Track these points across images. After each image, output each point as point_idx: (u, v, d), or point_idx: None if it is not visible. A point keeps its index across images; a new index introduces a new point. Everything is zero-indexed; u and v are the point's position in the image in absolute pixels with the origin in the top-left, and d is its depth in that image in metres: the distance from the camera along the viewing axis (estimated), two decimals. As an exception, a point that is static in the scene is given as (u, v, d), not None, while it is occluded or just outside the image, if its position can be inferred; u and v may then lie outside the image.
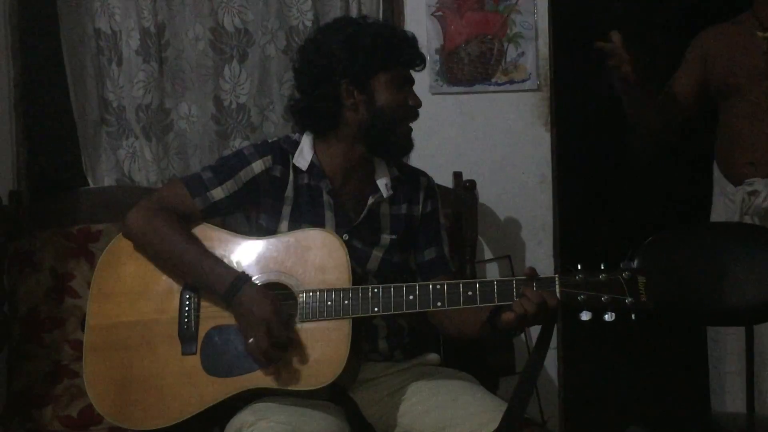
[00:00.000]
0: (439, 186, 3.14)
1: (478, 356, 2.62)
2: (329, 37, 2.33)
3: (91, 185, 3.32)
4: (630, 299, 1.99)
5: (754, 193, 2.88)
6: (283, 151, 2.36)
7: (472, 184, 3.20)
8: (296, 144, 2.37)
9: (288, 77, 3.32)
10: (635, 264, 2.01)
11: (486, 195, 3.36)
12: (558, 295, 2.04)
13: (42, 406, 2.86)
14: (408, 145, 2.36)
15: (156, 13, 3.29)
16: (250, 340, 2.13)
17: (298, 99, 2.39)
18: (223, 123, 3.35)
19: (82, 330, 2.32)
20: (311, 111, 2.34)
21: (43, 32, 3.34)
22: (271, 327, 2.12)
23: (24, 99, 3.30)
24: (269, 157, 2.33)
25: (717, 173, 3.14)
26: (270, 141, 2.42)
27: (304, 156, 2.35)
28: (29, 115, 3.33)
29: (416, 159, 3.36)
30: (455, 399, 2.21)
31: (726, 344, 2.97)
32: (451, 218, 3.13)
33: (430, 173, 3.19)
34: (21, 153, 3.29)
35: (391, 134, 2.29)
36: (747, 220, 2.93)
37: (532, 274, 2.09)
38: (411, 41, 2.34)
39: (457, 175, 3.29)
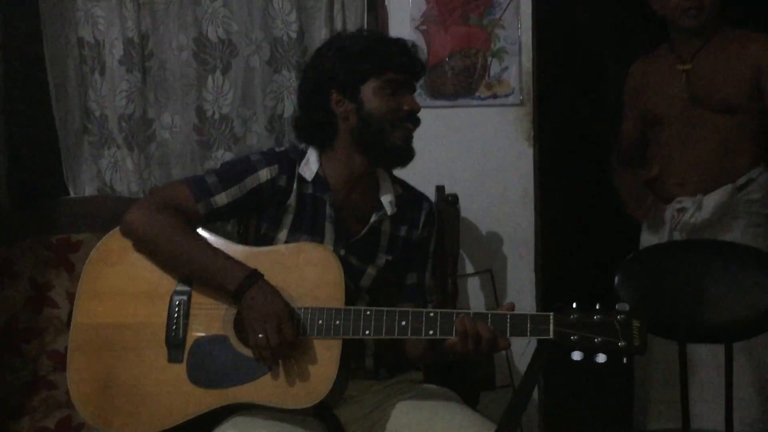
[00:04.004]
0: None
1: (458, 372, 2.61)
2: (323, 50, 2.36)
3: (72, 195, 3.30)
4: (623, 343, 1.98)
5: (682, 210, 3.01)
6: (291, 160, 2.35)
7: (455, 198, 3.20)
8: (303, 154, 2.37)
9: (272, 89, 3.33)
10: (630, 307, 1.99)
11: (468, 209, 3.36)
12: (551, 334, 2.03)
13: (19, 416, 2.83)
14: (407, 151, 2.34)
15: (140, 23, 3.28)
16: (260, 335, 2.10)
17: (297, 114, 2.41)
18: (205, 134, 3.34)
19: (68, 326, 2.29)
20: (306, 123, 2.35)
21: (25, 40, 3.32)
22: (283, 324, 2.11)
23: (5, 107, 3.28)
24: (276, 166, 2.32)
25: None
26: (278, 150, 2.41)
27: (310, 167, 2.34)
28: (10, 123, 3.31)
29: (399, 172, 3.39)
30: (436, 415, 2.20)
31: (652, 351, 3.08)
32: (434, 232, 3.12)
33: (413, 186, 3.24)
34: (1, 161, 3.27)
35: (384, 140, 2.28)
36: (676, 235, 3.07)
37: (511, 309, 2.10)
38: (405, 47, 2.34)
39: (440, 189, 3.29)
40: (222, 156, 3.31)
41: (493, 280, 3.38)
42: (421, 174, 3.30)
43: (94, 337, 2.24)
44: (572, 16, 4.73)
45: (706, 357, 2.88)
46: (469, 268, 3.41)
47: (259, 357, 2.14)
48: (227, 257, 2.21)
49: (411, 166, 3.33)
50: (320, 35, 3.29)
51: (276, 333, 2.09)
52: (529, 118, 3.43)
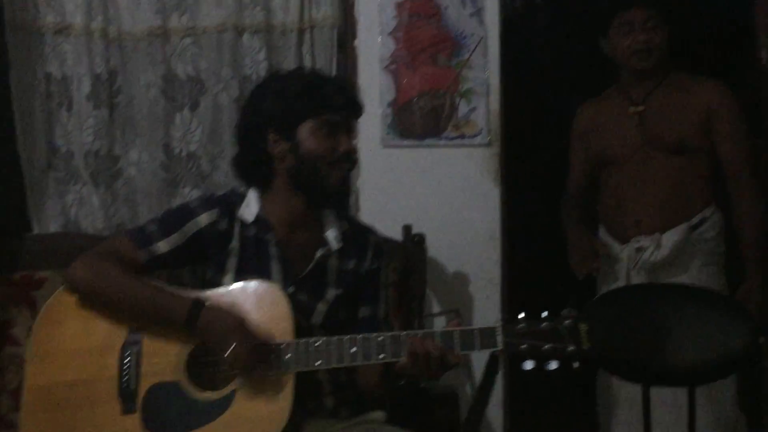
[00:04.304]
0: (388, 239, 3.17)
1: (423, 413, 2.60)
2: (261, 90, 2.36)
3: (36, 231, 3.27)
4: (572, 347, 2.00)
5: (640, 249, 3.03)
6: (230, 204, 2.34)
7: (421, 238, 3.21)
8: (243, 197, 2.36)
9: (240, 127, 3.33)
10: (576, 311, 2.01)
11: (435, 248, 3.36)
12: (501, 345, 2.04)
13: (-24, 457, 2.78)
14: (342, 192, 2.34)
15: (108, 59, 3.29)
16: (229, 351, 2.09)
17: (236, 154, 2.40)
18: (172, 171, 3.33)
19: None
20: (244, 163, 2.35)
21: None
22: (246, 332, 2.10)
23: (-30, 141, 3.27)
24: (215, 210, 2.32)
25: (602, 234, 3.28)
26: (216, 195, 2.41)
27: (250, 208, 2.33)
28: (-26, 157, 3.29)
29: (366, 211, 3.42)
30: None
31: (617, 392, 3.13)
32: (400, 272, 3.12)
33: (380, 225, 3.20)
34: (-35, 197, 3.25)
35: (320, 181, 2.27)
36: (634, 275, 3.09)
37: (459, 324, 2.14)
38: (342, 88, 2.34)
39: (407, 229, 3.29)
40: (189, 193, 3.30)
41: (460, 320, 3.37)
42: (388, 213, 3.36)
43: (47, 399, 2.21)
44: (539, 57, 4.80)
45: (668, 398, 2.89)
46: (436, 308, 3.41)
47: (236, 369, 2.12)
48: (170, 292, 2.20)
49: (378, 205, 3.40)
50: (289, 74, 3.30)
51: (244, 340, 2.09)
52: (497, 159, 3.45)
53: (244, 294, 2.22)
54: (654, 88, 3.12)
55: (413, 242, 3.23)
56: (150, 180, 3.32)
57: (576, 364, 1.98)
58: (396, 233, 3.28)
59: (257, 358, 2.11)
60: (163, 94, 3.32)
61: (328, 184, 2.28)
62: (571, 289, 3.42)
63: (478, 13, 3.44)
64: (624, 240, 3.12)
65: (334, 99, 2.30)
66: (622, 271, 3.11)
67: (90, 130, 3.27)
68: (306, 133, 2.27)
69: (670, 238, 3.04)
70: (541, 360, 2.00)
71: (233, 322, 2.12)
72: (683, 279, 3.05)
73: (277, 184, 2.32)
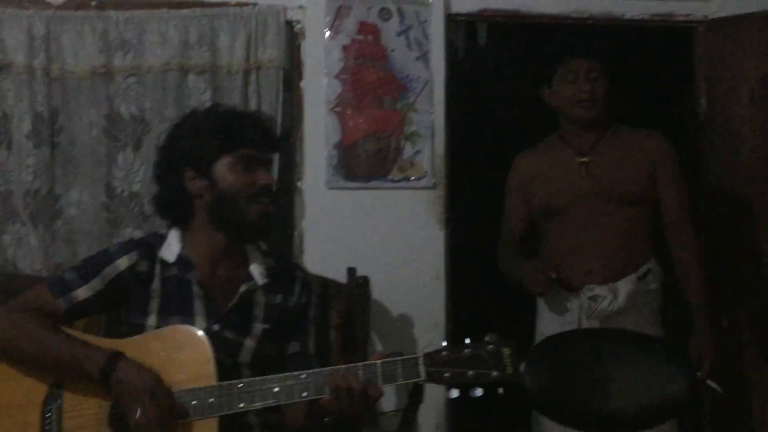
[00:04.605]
0: (332, 281, 3.17)
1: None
2: (177, 128, 2.35)
3: (-28, 271, 3.20)
4: (495, 372, 1.99)
5: (594, 298, 3.01)
6: (149, 246, 2.32)
7: (365, 280, 3.20)
8: (163, 238, 2.34)
9: (184, 167, 3.30)
10: (499, 337, 2.01)
11: (380, 291, 3.35)
12: (423, 374, 2.03)
13: None
14: (262, 227, 2.31)
15: (50, 98, 3.26)
16: (138, 413, 2.04)
17: (156, 192, 2.39)
18: (114, 211, 3.29)
19: None
20: (163, 202, 2.34)
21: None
22: (156, 395, 2.06)
23: None
24: (134, 252, 2.29)
25: None
26: (136, 238, 2.40)
27: (171, 249, 2.31)
28: None
29: (311, 253, 3.41)
30: None
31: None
32: (344, 314, 3.11)
33: (324, 267, 3.23)
34: None
35: (239, 216, 2.26)
36: (585, 323, 3.03)
37: (382, 356, 2.11)
38: (258, 122, 2.34)
39: (351, 271, 3.28)
40: (131, 234, 3.26)
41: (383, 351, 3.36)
42: (333, 255, 3.35)
43: None
44: (484, 101, 4.84)
45: None
46: (380, 351, 3.39)
47: None
48: (87, 344, 2.16)
49: (323, 247, 3.39)
50: (235, 114, 3.29)
51: (153, 406, 2.05)
52: (441, 201, 3.47)
53: (165, 339, 2.19)
54: (598, 139, 3.13)
55: (357, 284, 3.22)
56: (91, 220, 3.27)
57: (500, 390, 1.97)
58: (340, 275, 3.27)
59: (165, 422, 2.07)
60: (105, 133, 3.29)
61: (248, 219, 2.26)
62: (515, 332, 3.42)
63: (424, 56, 3.48)
64: (571, 289, 3.09)
65: (251, 134, 2.29)
66: (571, 319, 3.06)
67: (30, 169, 3.22)
68: (222, 169, 2.26)
69: (624, 288, 3.03)
70: (466, 387, 1.98)
71: (145, 382, 2.08)
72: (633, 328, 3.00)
73: (197, 222, 2.31)
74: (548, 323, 3.14)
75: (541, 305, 3.19)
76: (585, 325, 3.03)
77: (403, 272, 3.43)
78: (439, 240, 3.47)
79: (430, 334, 3.43)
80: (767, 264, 3.38)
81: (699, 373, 2.99)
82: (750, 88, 3.45)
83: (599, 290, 3.02)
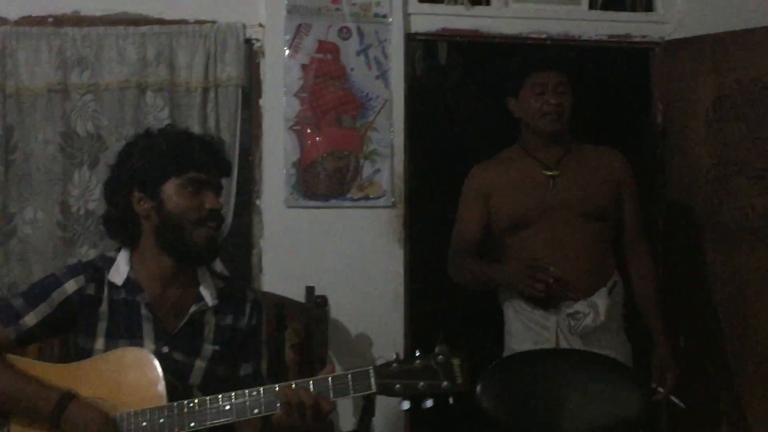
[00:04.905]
0: (290, 300, 3.15)
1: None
2: (128, 147, 2.34)
3: (-76, 290, 3.15)
4: (446, 383, 2.00)
5: (574, 315, 3.00)
6: (97, 268, 2.30)
7: (324, 299, 3.19)
8: (112, 261, 2.32)
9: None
10: (448, 347, 2.01)
11: (338, 310, 3.35)
12: (374, 387, 2.03)
13: None
14: (208, 251, 2.29)
15: (5, 115, 3.22)
16: None
17: (105, 211, 2.38)
18: (69, 230, 3.26)
19: None
20: (112, 221, 2.32)
21: None
22: None
23: None
24: (82, 276, 2.27)
25: (508, 298, 3.17)
26: (84, 261, 2.38)
27: (119, 271, 2.29)
28: None
29: (269, 271, 3.40)
30: None
31: None
32: (302, 333, 3.10)
33: (283, 286, 3.22)
34: None
35: (185, 240, 2.24)
36: (566, 340, 3.01)
37: (332, 370, 2.11)
38: (209, 146, 2.33)
39: (310, 290, 3.28)
40: (86, 253, 3.22)
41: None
42: (291, 274, 3.34)
43: None
44: (444, 120, 4.87)
45: None
46: (338, 370, 3.36)
47: None
48: (39, 382, 2.14)
49: (282, 266, 3.38)
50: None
51: None
52: (400, 220, 3.47)
53: (115, 362, 2.18)
54: (563, 154, 3.14)
55: (316, 304, 3.21)
56: (45, 239, 3.23)
57: (451, 400, 1.97)
58: (299, 294, 3.26)
59: None
60: (61, 151, 3.26)
61: (193, 243, 2.24)
62: (474, 351, 3.42)
63: (384, 75, 3.48)
64: (545, 305, 3.05)
65: (199, 157, 2.28)
66: (548, 336, 3.01)
67: (-17, 187, 3.18)
68: (170, 191, 2.25)
69: (602, 303, 3.03)
70: (417, 399, 1.99)
71: (95, 425, 2.07)
72: (608, 342, 3.04)
73: (145, 243, 2.29)
74: (520, 341, 3.08)
75: (511, 322, 3.16)
76: (563, 342, 3.01)
77: (362, 291, 3.42)
78: (398, 259, 3.46)
79: (389, 354, 3.41)
80: (720, 282, 3.41)
81: (662, 389, 3.02)
82: (704, 109, 3.50)
83: (578, 306, 3.01)
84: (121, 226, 2.30)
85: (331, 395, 2.06)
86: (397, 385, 2.02)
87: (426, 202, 4.01)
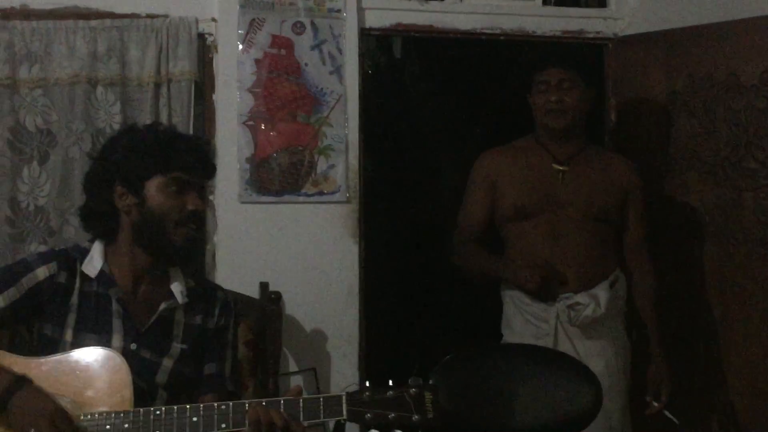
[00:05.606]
0: (244, 296, 3.13)
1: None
2: (113, 141, 2.31)
3: None
4: (416, 416, 1.98)
5: (574, 306, 3.01)
6: (70, 258, 2.27)
7: (278, 295, 3.17)
8: (86, 252, 2.29)
9: (92, 180, 3.24)
10: (422, 380, 2.01)
11: (293, 306, 3.34)
12: (345, 414, 2.02)
13: None
14: (187, 251, 2.27)
15: (-48, 110, 3.16)
16: None
17: (84, 203, 2.34)
18: (18, 226, 3.22)
19: None
20: (90, 214, 2.29)
21: None
22: (54, 420, 2.00)
23: None
24: (54, 263, 2.24)
25: (510, 293, 3.18)
26: (57, 249, 2.33)
27: (93, 263, 2.26)
28: None
29: (223, 267, 3.38)
30: None
31: None
32: (255, 330, 3.08)
33: (237, 282, 3.20)
34: None
35: (164, 239, 2.22)
36: (565, 331, 3.03)
37: (299, 391, 2.08)
38: (196, 146, 2.31)
39: (264, 286, 3.26)
40: (36, 249, 3.17)
41: (317, 379, 3.35)
42: (245, 270, 3.32)
43: None
44: (399, 115, 4.86)
45: None
46: (293, 366, 3.37)
47: None
48: None
49: (235, 262, 3.36)
50: (145, 128, 3.24)
51: (50, 430, 1.98)
52: (355, 216, 3.46)
53: (83, 360, 2.14)
54: (576, 152, 3.14)
55: (270, 299, 3.19)
56: (-6, 235, 3.19)
57: None
58: (253, 290, 3.25)
59: None
60: (10, 146, 3.21)
61: (172, 242, 2.22)
62: (429, 346, 3.42)
63: (338, 70, 3.47)
64: (546, 297, 3.06)
65: (186, 157, 2.25)
66: (547, 329, 3.04)
67: (-70, 183, 3.12)
68: (153, 189, 2.22)
69: (603, 294, 3.04)
70: (387, 429, 1.98)
71: (43, 410, 2.01)
72: (606, 336, 3.07)
73: (122, 238, 2.26)
74: (520, 336, 3.10)
75: (512, 317, 3.16)
76: (562, 335, 3.02)
77: (316, 287, 3.41)
78: (353, 254, 3.46)
79: (344, 349, 3.42)
80: (672, 275, 3.44)
81: (656, 404, 3.03)
82: (657, 105, 3.53)
83: (578, 298, 3.02)
84: (99, 219, 2.26)
85: (301, 417, 2.03)
86: (368, 414, 1.99)
87: (381, 198, 4.01)
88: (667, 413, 3.03)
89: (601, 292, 3.03)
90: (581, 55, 3.77)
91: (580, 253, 3.07)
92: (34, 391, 2.05)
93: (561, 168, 3.12)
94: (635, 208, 3.17)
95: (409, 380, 2.02)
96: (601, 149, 3.29)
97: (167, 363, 2.26)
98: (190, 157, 2.26)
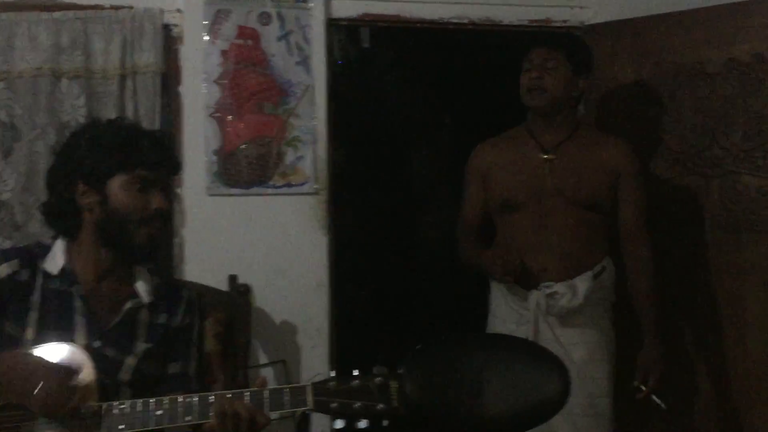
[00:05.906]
0: (213, 289, 3.12)
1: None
2: (75, 137, 2.27)
3: None
4: (381, 405, 1.99)
5: (552, 295, 3.02)
6: (32, 255, 2.24)
7: (246, 288, 3.17)
8: (48, 248, 2.26)
9: (57, 174, 3.20)
10: (387, 369, 2.02)
11: (262, 298, 3.33)
12: (311, 404, 2.01)
13: None
14: (149, 250, 2.25)
15: None
16: (38, 389, 1.97)
17: (46, 199, 2.31)
18: (-19, 221, 3.17)
19: None
20: (52, 210, 2.26)
21: None
22: (49, 369, 2.00)
23: None
24: (15, 261, 2.21)
25: (497, 281, 3.18)
26: (18, 246, 2.31)
27: (55, 261, 2.23)
28: None
29: (191, 260, 3.36)
30: None
31: None
32: (224, 322, 3.06)
33: (205, 275, 3.18)
34: None
35: (127, 237, 2.20)
36: (541, 320, 3.03)
37: (264, 383, 2.08)
38: (159, 143, 2.27)
39: (233, 278, 3.25)
40: (1, 244, 3.14)
41: (287, 371, 3.34)
42: (213, 262, 3.31)
43: None
44: (367, 106, 4.85)
45: None
46: (263, 359, 3.36)
47: (47, 411, 1.99)
48: None
49: (204, 255, 3.34)
50: (110, 121, 3.21)
51: (52, 376, 1.99)
52: (324, 207, 3.45)
53: (47, 357, 2.12)
54: (565, 138, 3.12)
55: (238, 292, 3.19)
56: (-43, 230, 3.15)
57: (385, 423, 1.98)
58: (222, 283, 3.23)
59: (68, 395, 2.00)
60: (-28, 140, 3.17)
61: (135, 241, 2.20)
62: (399, 339, 3.42)
63: (305, 61, 3.46)
64: (527, 286, 3.07)
65: (149, 155, 2.22)
66: (528, 317, 3.05)
67: None
68: (116, 187, 2.19)
69: (582, 285, 3.04)
70: (352, 419, 1.99)
71: (33, 361, 2.01)
72: (588, 325, 3.06)
73: (84, 235, 2.24)
74: (504, 322, 3.13)
75: (498, 305, 3.18)
76: (542, 322, 3.03)
77: (285, 279, 3.40)
78: (322, 246, 3.45)
79: (314, 341, 3.42)
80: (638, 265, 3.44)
81: (644, 387, 3.03)
82: (624, 93, 3.53)
83: (557, 287, 3.02)
84: (61, 216, 2.23)
85: (267, 408, 2.03)
86: (334, 404, 1.99)
87: (350, 189, 4.00)
88: (654, 398, 3.03)
89: (581, 282, 3.04)
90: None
91: (564, 242, 3.07)
92: (12, 354, 2.04)
93: (547, 157, 3.10)
94: (627, 190, 3.12)
95: (374, 369, 2.02)
96: (594, 131, 3.27)
97: (131, 361, 2.24)
98: (153, 155, 2.23)
